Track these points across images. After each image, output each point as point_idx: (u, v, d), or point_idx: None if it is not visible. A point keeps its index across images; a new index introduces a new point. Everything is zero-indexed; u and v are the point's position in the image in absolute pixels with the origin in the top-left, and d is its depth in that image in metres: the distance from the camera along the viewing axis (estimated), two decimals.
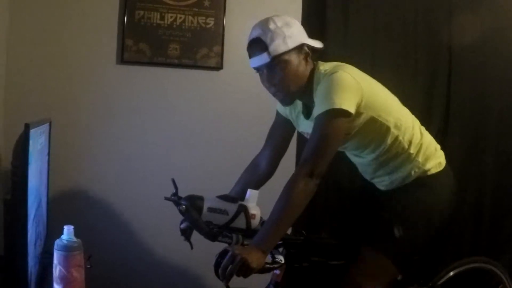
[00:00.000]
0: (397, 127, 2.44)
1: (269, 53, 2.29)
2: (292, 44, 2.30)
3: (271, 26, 2.30)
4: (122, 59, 3.31)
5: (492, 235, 4.15)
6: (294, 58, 2.33)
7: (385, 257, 2.44)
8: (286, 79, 2.34)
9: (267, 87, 2.41)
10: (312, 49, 2.40)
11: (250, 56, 2.37)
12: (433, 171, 2.52)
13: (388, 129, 2.42)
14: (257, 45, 2.33)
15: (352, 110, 2.24)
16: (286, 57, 2.31)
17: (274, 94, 2.43)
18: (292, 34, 2.31)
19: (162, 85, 3.41)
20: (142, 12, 3.31)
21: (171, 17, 3.37)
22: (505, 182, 4.17)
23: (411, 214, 2.49)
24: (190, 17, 3.39)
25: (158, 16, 3.35)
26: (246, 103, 3.49)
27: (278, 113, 2.72)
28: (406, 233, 2.43)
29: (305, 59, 2.37)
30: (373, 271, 2.46)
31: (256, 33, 2.34)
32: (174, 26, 3.37)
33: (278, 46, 2.28)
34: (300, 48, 2.34)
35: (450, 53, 3.95)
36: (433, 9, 3.90)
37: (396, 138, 2.45)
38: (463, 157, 3.98)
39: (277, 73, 2.34)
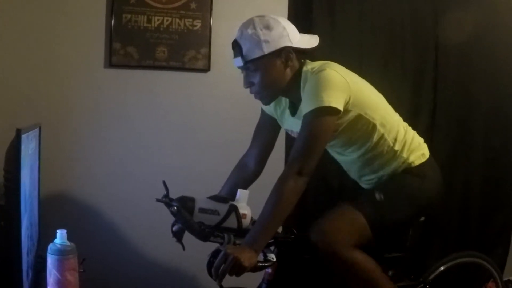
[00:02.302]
0: (382, 125, 2.46)
1: (243, 57, 2.32)
2: (268, 49, 2.30)
3: (249, 29, 2.32)
4: (110, 63, 3.31)
5: (482, 230, 4.18)
6: (270, 63, 2.34)
7: (359, 211, 2.39)
8: (262, 82, 2.37)
9: (245, 87, 2.44)
10: (301, 50, 2.41)
11: (234, 57, 2.40)
12: (417, 162, 2.54)
13: (374, 126, 2.44)
14: (235, 48, 2.37)
15: (340, 107, 2.26)
16: (261, 61, 2.32)
17: (253, 94, 2.46)
18: (271, 38, 2.31)
19: (151, 88, 3.42)
20: (129, 16, 3.32)
21: (158, 20, 3.37)
22: (493, 177, 4.20)
23: (396, 190, 2.50)
24: (177, 20, 3.40)
25: (145, 19, 3.35)
26: (233, 104, 3.50)
27: (263, 111, 2.73)
28: (387, 200, 2.43)
29: (285, 62, 2.38)
30: (343, 222, 2.38)
31: (236, 35, 2.37)
32: (161, 29, 3.38)
33: (252, 51, 2.31)
34: (278, 52, 2.34)
35: (437, 50, 3.97)
36: (419, 7, 3.92)
37: (382, 135, 2.47)
38: (450, 152, 4.01)
39: (252, 76, 2.37)
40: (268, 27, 2.32)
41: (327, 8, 3.68)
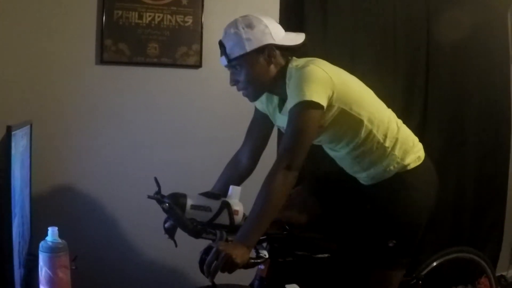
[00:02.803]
0: (370, 120, 2.45)
1: (226, 56, 2.36)
2: (250, 47, 2.33)
3: (232, 29, 2.36)
4: (102, 60, 3.29)
5: (475, 226, 4.20)
6: (253, 60, 2.37)
7: (389, 270, 2.54)
8: (246, 79, 2.40)
9: (231, 85, 2.47)
10: (285, 47, 2.42)
11: (220, 56, 2.44)
12: (412, 165, 2.54)
13: (361, 122, 2.43)
14: (221, 47, 2.40)
15: (322, 102, 2.26)
16: (243, 59, 2.36)
17: (240, 91, 2.48)
18: (253, 36, 2.34)
19: (142, 84, 3.40)
20: (120, 12, 3.30)
21: (150, 16, 3.36)
22: (485, 174, 4.23)
23: (400, 216, 2.52)
24: (169, 16, 3.39)
25: (137, 16, 3.34)
26: (225, 101, 3.50)
27: (256, 109, 2.74)
28: (398, 240, 2.48)
29: (268, 59, 2.39)
30: (382, 284, 2.53)
31: (222, 35, 2.41)
32: (153, 25, 3.37)
33: (235, 49, 2.34)
34: (260, 50, 2.36)
35: (429, 48, 3.98)
36: (411, 5, 3.93)
37: (370, 131, 2.46)
38: (442, 150, 4.02)
39: (237, 74, 2.41)
40: (249, 26, 2.35)
41: (319, 5, 3.67)
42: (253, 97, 2.52)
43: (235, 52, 2.34)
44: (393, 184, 2.54)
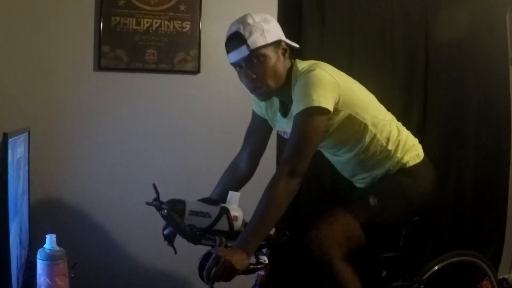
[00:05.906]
0: (374, 125, 2.45)
1: (248, 46, 2.29)
2: (270, 38, 2.31)
3: (250, 20, 2.32)
4: (99, 66, 3.29)
5: (475, 228, 4.18)
6: (273, 53, 2.34)
7: (354, 218, 2.40)
8: (265, 73, 2.34)
9: (245, 83, 2.40)
10: (289, 47, 2.42)
11: (229, 52, 2.37)
12: (411, 163, 2.53)
13: (365, 127, 2.43)
14: (236, 39, 2.33)
15: (330, 107, 2.25)
16: (265, 51, 2.31)
17: (252, 90, 2.42)
18: (270, 29, 2.33)
19: (140, 90, 3.40)
20: (118, 18, 3.30)
21: (147, 22, 3.36)
22: (485, 176, 4.21)
23: (390, 192, 2.49)
24: (166, 22, 3.39)
25: (134, 22, 3.33)
26: (224, 106, 3.50)
27: (254, 113, 2.72)
28: (381, 204, 2.43)
29: (283, 55, 2.39)
30: (339, 230, 2.38)
31: (234, 28, 2.35)
32: (150, 31, 3.36)
33: (257, 39, 2.29)
34: (278, 43, 2.35)
35: (427, 49, 3.97)
36: (409, 6, 3.92)
37: (374, 136, 2.46)
38: (442, 152, 4.01)
39: (256, 67, 2.34)
40: (265, 20, 2.34)
41: (317, 8, 3.66)
42: (267, 95, 2.45)
43: (257, 42, 2.30)
44: (391, 175, 2.54)
